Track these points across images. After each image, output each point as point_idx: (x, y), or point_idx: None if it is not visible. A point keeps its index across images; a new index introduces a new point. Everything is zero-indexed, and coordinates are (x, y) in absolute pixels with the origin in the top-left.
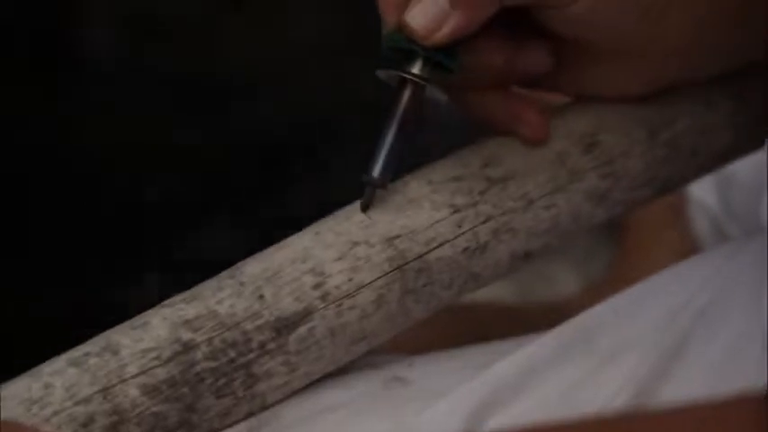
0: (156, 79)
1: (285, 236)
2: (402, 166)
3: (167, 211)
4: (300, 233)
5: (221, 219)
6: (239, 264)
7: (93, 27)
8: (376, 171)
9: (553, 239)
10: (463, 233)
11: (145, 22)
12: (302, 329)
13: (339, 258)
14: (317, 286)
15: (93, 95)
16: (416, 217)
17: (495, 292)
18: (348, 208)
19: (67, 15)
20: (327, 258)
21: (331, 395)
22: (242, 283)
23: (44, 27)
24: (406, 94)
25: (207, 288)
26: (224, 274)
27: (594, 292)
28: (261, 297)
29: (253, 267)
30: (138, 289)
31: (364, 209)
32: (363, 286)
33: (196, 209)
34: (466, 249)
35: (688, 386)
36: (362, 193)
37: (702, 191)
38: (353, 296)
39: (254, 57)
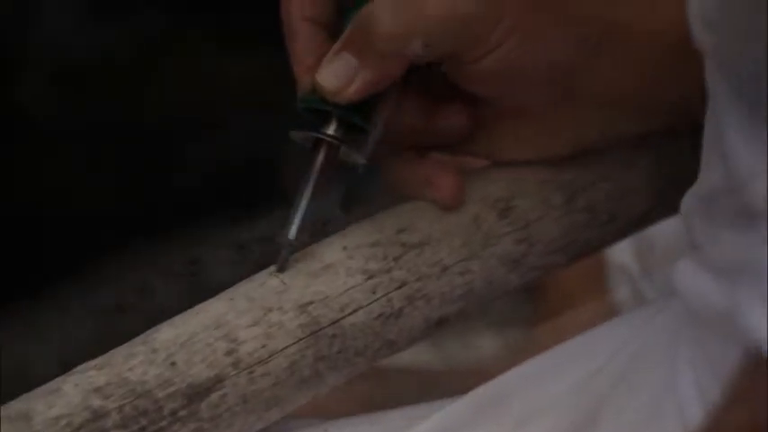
0: (91, 130)
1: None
2: (320, 229)
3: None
4: (214, 299)
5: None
6: (152, 330)
7: (26, 84)
8: (291, 233)
9: (468, 305)
10: (377, 299)
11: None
12: (214, 396)
13: (252, 324)
14: (229, 353)
15: (29, 150)
16: (331, 283)
17: (415, 356)
18: (262, 273)
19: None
20: (241, 324)
21: None
22: (154, 350)
23: None
24: (321, 156)
25: (119, 354)
26: (137, 340)
27: (513, 355)
28: (173, 364)
29: (166, 334)
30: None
31: (280, 270)
32: (276, 353)
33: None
34: (380, 315)
35: None
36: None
37: (621, 253)
38: (266, 363)
39: (188, 102)
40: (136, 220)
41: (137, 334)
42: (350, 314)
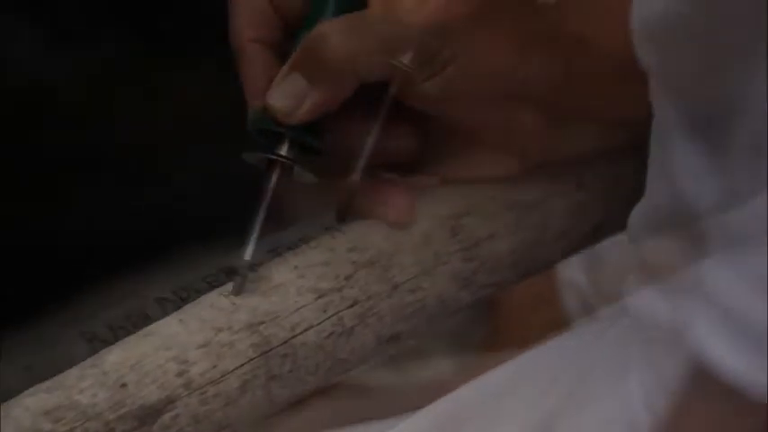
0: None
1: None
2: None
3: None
4: (165, 320)
5: None
6: (103, 351)
7: None
8: (248, 254)
9: (420, 323)
10: (328, 318)
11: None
12: (166, 417)
13: (203, 345)
14: (180, 374)
15: None
16: (281, 302)
17: (371, 372)
18: (213, 293)
19: None
20: (191, 345)
21: None
22: (105, 372)
23: None
24: (275, 177)
25: (70, 377)
26: (87, 362)
27: (468, 370)
28: (123, 386)
29: (116, 356)
30: None
31: (237, 293)
32: (228, 373)
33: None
34: (331, 334)
35: None
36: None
37: (571, 269)
38: (218, 383)
39: (144, 133)
40: (125, 245)
41: None
42: (301, 333)
